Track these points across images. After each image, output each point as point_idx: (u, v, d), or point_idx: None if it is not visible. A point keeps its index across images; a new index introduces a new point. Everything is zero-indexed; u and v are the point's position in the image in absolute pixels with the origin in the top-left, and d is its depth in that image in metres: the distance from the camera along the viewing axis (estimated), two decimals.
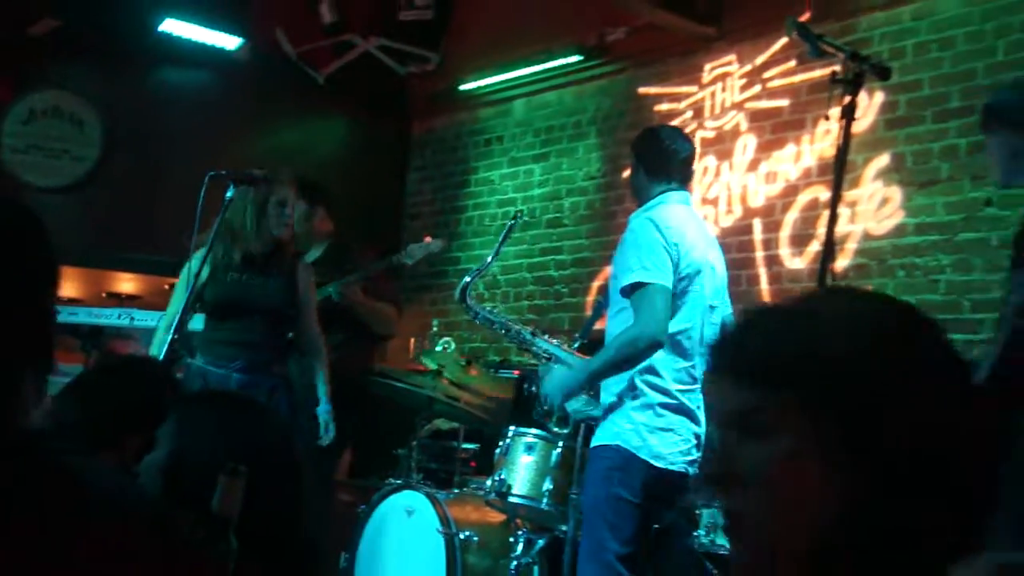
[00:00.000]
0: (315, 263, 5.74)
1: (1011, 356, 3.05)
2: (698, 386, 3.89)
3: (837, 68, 2.86)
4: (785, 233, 6.22)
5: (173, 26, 7.36)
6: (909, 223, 5.75)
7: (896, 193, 5.82)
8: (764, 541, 1.20)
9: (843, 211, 6.00)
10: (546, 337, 4.23)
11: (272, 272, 4.81)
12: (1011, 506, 2.93)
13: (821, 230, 6.04)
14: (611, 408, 3.90)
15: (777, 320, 1.28)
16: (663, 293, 3.76)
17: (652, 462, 3.80)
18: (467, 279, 4.63)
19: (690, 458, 3.88)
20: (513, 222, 4.63)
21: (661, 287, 3.76)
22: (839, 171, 2.80)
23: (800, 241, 6.19)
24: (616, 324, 3.93)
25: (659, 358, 3.82)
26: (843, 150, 2.80)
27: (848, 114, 2.79)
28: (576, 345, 4.13)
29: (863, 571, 1.16)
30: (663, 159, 4.11)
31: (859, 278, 5.86)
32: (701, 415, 3.92)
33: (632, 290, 3.79)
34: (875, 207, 5.90)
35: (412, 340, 7.90)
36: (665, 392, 3.85)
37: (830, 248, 2.79)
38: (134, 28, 7.32)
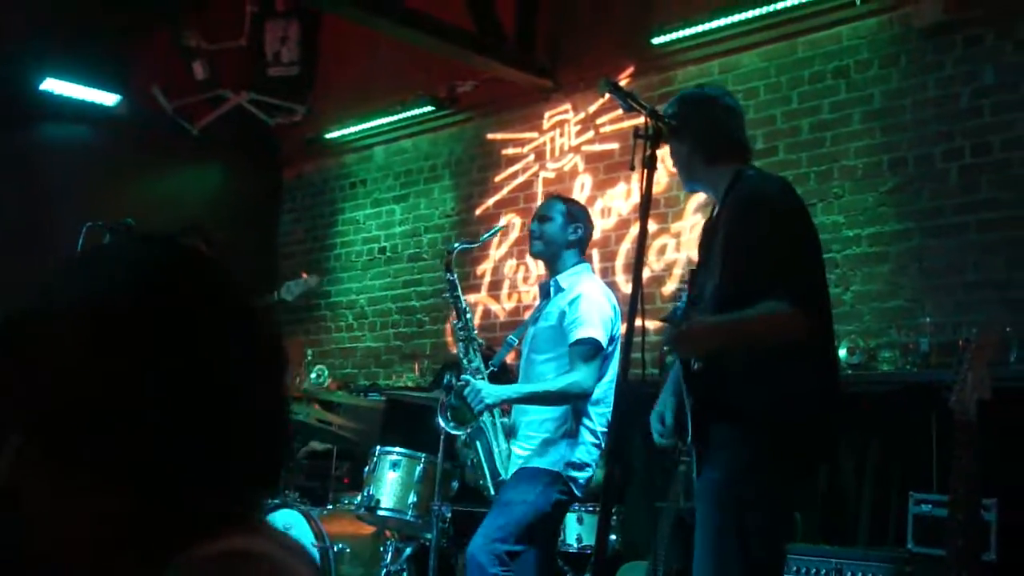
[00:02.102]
0: None
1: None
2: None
3: (640, 123, 2.96)
4: (619, 262, 6.41)
5: (54, 85, 7.25)
6: None
7: None
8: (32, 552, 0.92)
9: (669, 241, 6.21)
10: (478, 352, 4.38)
11: None
12: None
13: (651, 258, 6.23)
14: (549, 441, 4.09)
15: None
16: (601, 353, 4.03)
17: (574, 490, 4.06)
18: (456, 245, 4.75)
19: (587, 486, 4.14)
20: (499, 228, 5.13)
21: (601, 347, 4.02)
22: (644, 213, 2.84)
23: (632, 269, 6.36)
24: (548, 368, 4.13)
25: (595, 406, 4.08)
26: (646, 196, 2.86)
27: (649, 164, 2.87)
28: (488, 372, 4.29)
29: (143, 557, 0.91)
30: (589, 237, 4.35)
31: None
32: None
33: (581, 343, 4.00)
34: (697, 237, 6.10)
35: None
36: (594, 433, 4.10)
37: (638, 279, 2.88)
38: (16, 86, 7.18)
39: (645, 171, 2.84)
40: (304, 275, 6.12)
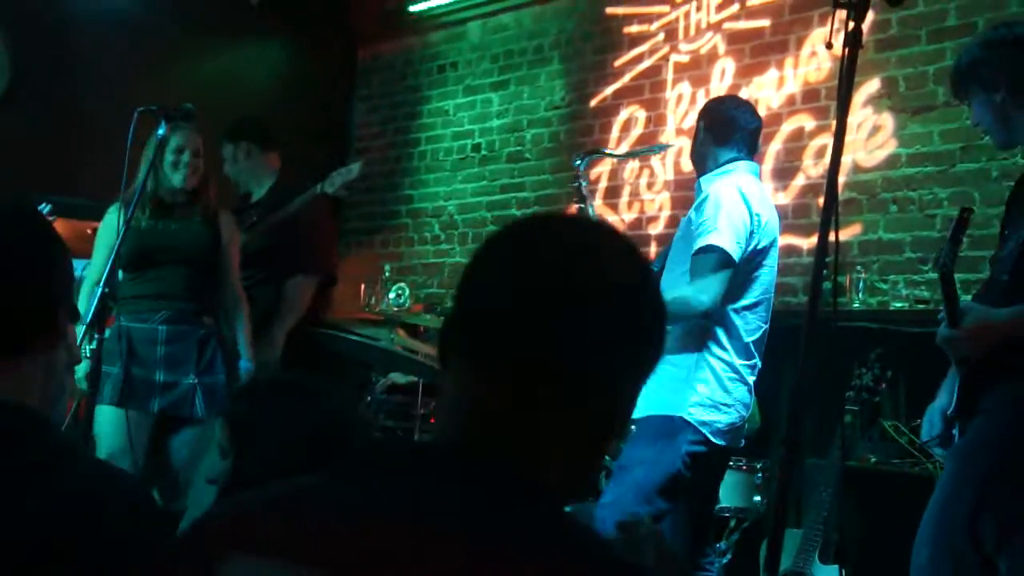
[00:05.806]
0: (259, 203, 5.67)
1: None
2: (757, 359, 3.99)
3: None
4: (768, 167, 6.16)
5: None
6: (902, 153, 5.74)
7: (888, 121, 5.80)
8: None
9: (831, 141, 5.97)
10: None
11: (190, 218, 4.74)
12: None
13: (807, 162, 6.02)
14: (665, 381, 3.92)
15: None
16: (728, 266, 3.84)
17: (711, 438, 3.90)
18: (604, 151, 5.48)
19: (735, 433, 4.00)
20: (662, 147, 5.36)
21: (729, 259, 3.84)
22: (843, 106, 2.66)
23: (784, 175, 6.16)
24: (676, 281, 3.98)
25: (727, 332, 3.92)
26: (847, 83, 2.69)
27: (853, 42, 2.69)
28: None
29: None
30: (731, 128, 4.15)
31: (848, 214, 5.84)
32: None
33: (702, 252, 3.85)
34: (865, 136, 5.88)
35: (362, 287, 7.83)
36: (730, 366, 3.94)
37: (833, 187, 2.72)
38: None
39: (847, 50, 2.67)
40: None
